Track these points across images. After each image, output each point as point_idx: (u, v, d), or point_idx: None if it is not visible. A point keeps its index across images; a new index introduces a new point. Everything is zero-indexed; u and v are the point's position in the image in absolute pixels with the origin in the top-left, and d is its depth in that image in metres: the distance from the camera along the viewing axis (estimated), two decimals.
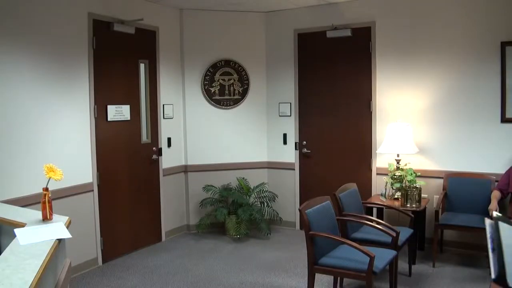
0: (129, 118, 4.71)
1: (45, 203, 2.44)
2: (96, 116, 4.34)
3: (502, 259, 1.16)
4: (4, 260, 1.86)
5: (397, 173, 4.52)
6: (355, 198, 4.07)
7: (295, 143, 5.56)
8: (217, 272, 4.25)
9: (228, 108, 5.63)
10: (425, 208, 4.50)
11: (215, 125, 5.60)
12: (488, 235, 1.26)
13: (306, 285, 3.33)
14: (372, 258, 2.98)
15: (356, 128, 5.18)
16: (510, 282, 1.11)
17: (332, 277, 3.72)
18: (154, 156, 5.05)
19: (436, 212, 4.19)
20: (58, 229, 2.31)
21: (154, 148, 5.06)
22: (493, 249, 1.22)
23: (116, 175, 4.60)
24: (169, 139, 5.27)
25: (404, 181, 4.41)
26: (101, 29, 4.37)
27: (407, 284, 3.82)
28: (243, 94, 5.66)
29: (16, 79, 3.62)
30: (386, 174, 4.72)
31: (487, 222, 1.30)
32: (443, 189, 4.57)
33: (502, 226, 1.28)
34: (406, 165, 4.59)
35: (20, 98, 3.65)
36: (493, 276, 1.19)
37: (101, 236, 4.42)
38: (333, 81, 5.31)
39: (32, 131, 3.75)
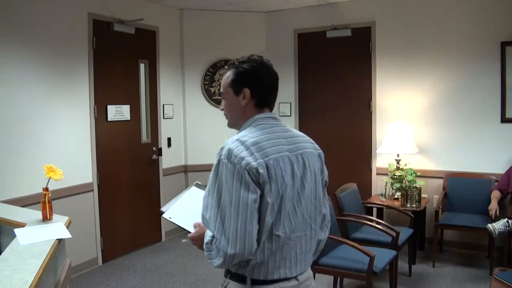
0: (129, 118, 4.71)
1: (45, 203, 2.44)
2: (96, 116, 4.34)
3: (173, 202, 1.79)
4: (4, 260, 1.86)
5: (397, 173, 4.51)
6: (355, 198, 4.07)
7: None
8: (217, 272, 4.25)
9: None
10: (425, 208, 4.50)
11: (215, 125, 5.59)
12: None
13: None
14: (372, 258, 2.98)
15: (356, 128, 5.18)
16: (163, 213, 1.77)
17: (332, 277, 3.72)
18: (154, 156, 5.05)
19: (436, 212, 4.20)
20: (58, 229, 2.31)
21: (154, 148, 5.05)
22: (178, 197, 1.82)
23: (116, 175, 4.60)
24: (169, 139, 5.27)
25: (404, 181, 4.41)
26: (101, 29, 4.37)
27: (407, 284, 3.82)
28: None
29: (16, 79, 3.62)
30: (386, 174, 4.72)
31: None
32: (443, 189, 4.57)
33: (194, 188, 1.86)
34: (406, 165, 4.58)
35: (20, 98, 3.65)
36: (161, 208, 1.79)
37: (101, 236, 4.42)
38: (333, 81, 5.31)
39: (32, 131, 3.75)
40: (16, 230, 2.21)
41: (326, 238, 1.75)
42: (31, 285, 1.63)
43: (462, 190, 4.47)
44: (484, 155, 4.50)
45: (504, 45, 4.33)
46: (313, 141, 1.76)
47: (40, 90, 3.82)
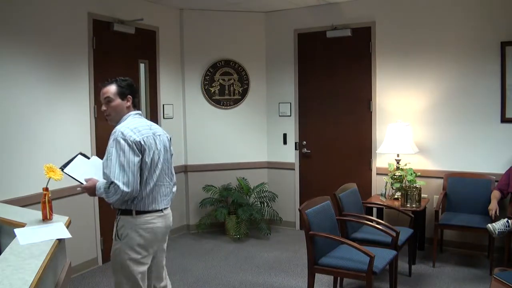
0: None
1: (45, 203, 2.44)
2: (96, 116, 4.34)
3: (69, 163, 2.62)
4: (4, 260, 1.86)
5: (397, 173, 4.52)
6: (355, 198, 4.07)
7: (295, 143, 5.56)
8: (217, 272, 4.25)
9: (228, 108, 5.63)
10: (425, 208, 4.50)
11: (215, 125, 5.60)
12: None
13: (306, 285, 3.33)
14: (372, 258, 2.98)
15: (356, 128, 5.18)
16: (63, 169, 2.54)
17: (332, 277, 3.72)
18: None
19: (436, 212, 4.19)
20: (58, 229, 2.31)
21: None
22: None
23: None
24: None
25: (404, 181, 4.41)
26: (101, 29, 4.37)
27: (407, 284, 3.82)
28: (243, 94, 5.66)
29: (16, 79, 3.62)
30: (386, 174, 4.72)
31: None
32: (443, 189, 4.57)
33: (80, 156, 2.68)
34: (406, 165, 4.59)
35: (20, 98, 3.64)
36: (61, 166, 2.57)
37: (101, 236, 4.42)
38: (333, 81, 5.31)
39: (32, 131, 3.75)
40: (16, 230, 2.21)
41: (176, 191, 2.75)
42: (31, 285, 1.62)
43: (462, 190, 4.47)
44: (484, 155, 4.50)
45: (504, 45, 4.33)
46: (163, 129, 2.74)
47: (40, 90, 3.82)
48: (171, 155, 2.75)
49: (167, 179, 2.64)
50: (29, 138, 3.72)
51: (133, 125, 2.51)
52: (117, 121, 2.59)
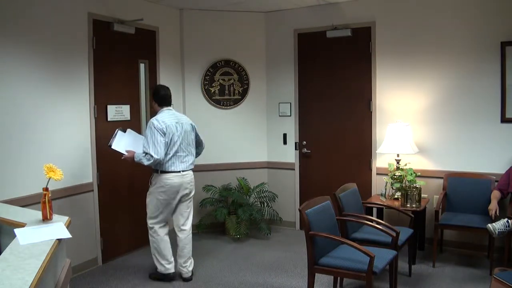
0: (129, 118, 4.71)
1: (45, 203, 2.44)
2: (96, 116, 4.34)
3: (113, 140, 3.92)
4: (4, 260, 1.86)
5: (397, 173, 4.52)
6: (355, 198, 4.07)
7: (295, 143, 5.56)
8: (217, 272, 4.25)
9: (228, 108, 5.63)
10: (425, 208, 4.50)
11: (215, 125, 5.60)
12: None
13: (306, 285, 3.33)
14: (372, 258, 2.98)
15: (356, 128, 5.18)
16: (111, 145, 3.89)
17: (332, 277, 3.72)
18: None
19: (436, 212, 4.19)
20: (58, 229, 2.31)
21: None
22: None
23: (116, 175, 4.60)
24: None
25: (404, 181, 4.41)
26: (101, 29, 4.37)
27: (407, 284, 3.82)
28: (243, 94, 5.66)
29: (16, 79, 3.61)
30: (386, 174, 4.72)
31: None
32: (443, 189, 4.57)
33: (120, 132, 3.93)
34: (406, 165, 4.59)
35: (20, 98, 3.64)
36: (109, 144, 3.99)
37: (101, 236, 4.42)
38: (333, 81, 5.31)
39: (32, 131, 3.75)
40: (16, 230, 2.21)
41: (201, 149, 4.23)
42: (31, 285, 1.62)
43: (462, 190, 4.47)
44: (484, 155, 4.50)
45: (504, 45, 4.33)
46: (189, 119, 4.10)
47: (40, 90, 3.81)
48: (196, 134, 4.08)
49: (185, 150, 3.90)
50: (29, 138, 3.72)
51: (160, 117, 3.83)
52: (155, 113, 3.96)
